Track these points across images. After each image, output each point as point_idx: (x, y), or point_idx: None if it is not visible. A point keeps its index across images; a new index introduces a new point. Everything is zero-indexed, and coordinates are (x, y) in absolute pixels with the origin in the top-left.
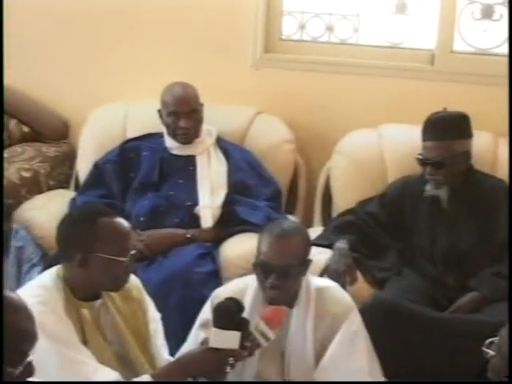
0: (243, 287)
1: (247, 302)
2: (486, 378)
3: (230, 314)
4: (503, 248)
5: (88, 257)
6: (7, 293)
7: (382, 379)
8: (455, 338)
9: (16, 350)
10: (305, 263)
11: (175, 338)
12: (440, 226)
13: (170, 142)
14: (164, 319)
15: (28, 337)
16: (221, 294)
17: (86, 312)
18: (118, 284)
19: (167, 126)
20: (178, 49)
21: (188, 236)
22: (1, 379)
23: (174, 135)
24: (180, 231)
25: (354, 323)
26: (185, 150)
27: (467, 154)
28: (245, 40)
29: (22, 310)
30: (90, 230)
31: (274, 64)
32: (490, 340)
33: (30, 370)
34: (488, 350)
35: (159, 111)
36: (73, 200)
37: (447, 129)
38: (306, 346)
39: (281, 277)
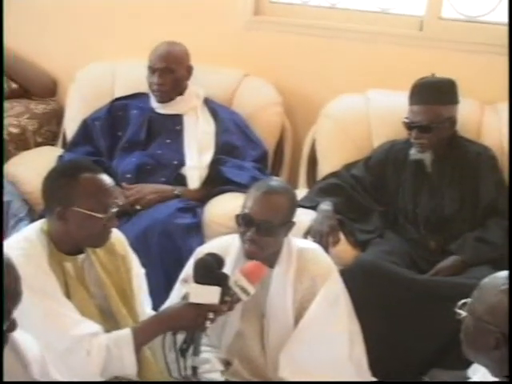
0: (226, 245)
1: (230, 260)
2: (460, 339)
3: (209, 269)
4: (485, 213)
5: (66, 210)
6: None
7: (362, 342)
8: (434, 300)
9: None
10: (287, 224)
11: (157, 290)
12: (423, 189)
13: (152, 101)
14: (146, 272)
15: (14, 296)
16: (204, 250)
17: (69, 266)
18: (97, 240)
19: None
20: (168, 9)
21: (175, 193)
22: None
23: (151, 91)
24: (168, 187)
25: (335, 286)
26: (168, 108)
27: (453, 120)
28: (235, 2)
29: (10, 272)
30: (71, 183)
31: (264, 26)
32: (463, 301)
33: (13, 325)
34: (460, 311)
35: None
36: (60, 157)
37: (434, 93)
38: (285, 306)
39: (260, 232)
